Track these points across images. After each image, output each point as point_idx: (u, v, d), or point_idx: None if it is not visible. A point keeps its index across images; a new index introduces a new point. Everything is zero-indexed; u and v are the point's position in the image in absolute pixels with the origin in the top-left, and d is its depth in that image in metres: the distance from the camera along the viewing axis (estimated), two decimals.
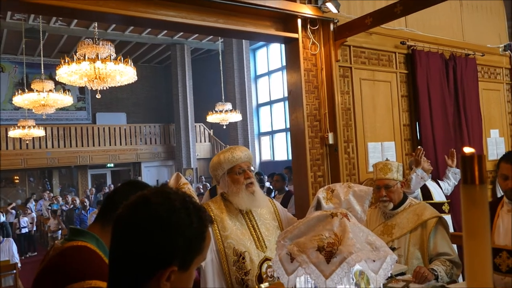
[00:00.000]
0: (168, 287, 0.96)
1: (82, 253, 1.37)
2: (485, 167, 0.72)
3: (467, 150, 0.76)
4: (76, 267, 1.32)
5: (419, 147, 4.45)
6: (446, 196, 4.64)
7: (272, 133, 16.24)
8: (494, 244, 2.43)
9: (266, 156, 16.43)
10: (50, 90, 9.79)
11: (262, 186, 7.46)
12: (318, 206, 2.40)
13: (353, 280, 1.73)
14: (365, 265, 1.65)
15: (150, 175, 18.30)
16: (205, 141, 18.69)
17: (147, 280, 0.95)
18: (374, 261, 1.67)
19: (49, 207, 13.07)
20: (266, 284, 2.32)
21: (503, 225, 2.46)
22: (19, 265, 7.10)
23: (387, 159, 2.95)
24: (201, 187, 11.66)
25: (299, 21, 4.36)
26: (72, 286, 1.29)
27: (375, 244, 1.70)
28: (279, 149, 15.90)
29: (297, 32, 4.37)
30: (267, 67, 16.39)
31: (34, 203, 14.36)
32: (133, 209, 1.00)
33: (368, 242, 1.70)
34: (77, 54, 6.39)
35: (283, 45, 4.77)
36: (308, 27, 4.45)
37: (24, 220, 11.84)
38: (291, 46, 4.52)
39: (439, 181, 4.70)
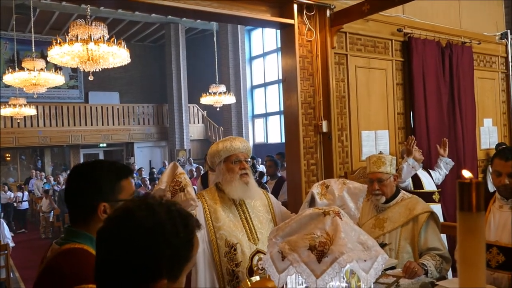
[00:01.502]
0: None
1: (79, 256, 1.37)
2: (482, 194, 0.70)
3: (466, 174, 0.75)
4: (73, 271, 1.32)
5: (411, 136, 4.45)
6: (437, 186, 4.66)
7: (266, 115, 16.20)
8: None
9: (260, 139, 16.42)
10: (42, 69, 9.63)
11: (254, 171, 7.46)
12: (312, 202, 2.40)
13: (343, 278, 1.74)
14: (356, 265, 1.65)
15: (142, 156, 18.26)
16: (198, 123, 18.62)
17: None
18: (365, 260, 1.67)
19: (43, 186, 13.06)
20: (257, 277, 2.33)
21: (494, 221, 2.47)
22: (12, 245, 7.11)
23: (380, 152, 2.94)
24: (194, 169, 11.65)
25: (295, 6, 4.29)
26: None
27: (367, 244, 1.70)
28: (273, 132, 15.88)
29: (293, 17, 4.30)
30: (262, 48, 16.24)
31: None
32: (117, 223, 0.97)
33: (360, 241, 1.70)
34: (69, 34, 6.26)
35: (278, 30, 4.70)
36: (304, 12, 4.37)
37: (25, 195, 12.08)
38: (287, 32, 4.45)
39: (430, 171, 4.71)
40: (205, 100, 13.10)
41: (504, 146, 4.68)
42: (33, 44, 10.65)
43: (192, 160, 15.27)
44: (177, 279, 0.98)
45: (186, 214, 1.02)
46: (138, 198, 1.04)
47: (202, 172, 8.50)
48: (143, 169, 14.00)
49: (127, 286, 0.94)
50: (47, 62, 9.66)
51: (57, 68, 10.51)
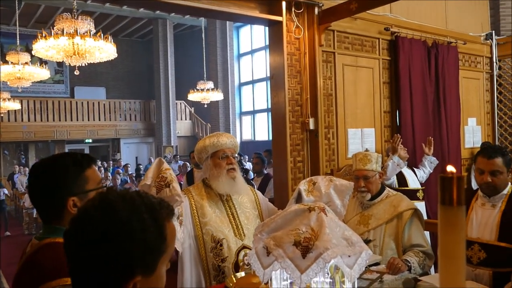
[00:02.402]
0: None
1: (58, 250, 1.35)
2: (463, 189, 0.71)
3: (450, 168, 0.76)
4: (53, 265, 1.30)
5: (396, 134, 4.50)
6: (421, 184, 4.72)
7: (253, 112, 16.19)
8: (466, 236, 2.48)
9: (247, 136, 16.42)
10: (26, 63, 9.50)
11: (241, 168, 7.45)
12: (299, 198, 2.42)
13: (328, 274, 1.75)
14: (340, 260, 1.66)
15: (129, 152, 18.12)
16: (185, 119, 18.54)
17: None
18: (349, 256, 1.69)
19: (27, 182, 12.85)
20: (242, 273, 2.33)
21: (476, 218, 2.52)
22: None
23: (366, 150, 2.97)
24: (181, 165, 11.60)
25: (283, 3, 4.30)
26: (50, 284, 1.27)
27: (351, 240, 1.71)
28: (260, 129, 15.89)
29: (281, 15, 4.31)
30: (251, 45, 16.22)
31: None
32: (78, 226, 0.94)
33: (344, 237, 1.71)
34: (54, 28, 6.17)
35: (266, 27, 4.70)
36: (293, 10, 4.38)
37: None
38: (275, 29, 4.46)
39: (415, 169, 4.77)
40: (192, 96, 13.05)
41: (488, 145, 4.75)
42: (17, 37, 10.49)
43: (178, 158, 15.21)
44: (152, 273, 0.95)
45: (155, 206, 0.97)
46: (99, 195, 0.98)
47: (188, 169, 8.47)
48: (129, 165, 13.91)
49: (97, 286, 0.91)
50: (32, 56, 9.53)
51: (42, 62, 10.36)
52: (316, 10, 4.43)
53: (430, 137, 4.86)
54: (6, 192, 10.72)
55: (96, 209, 0.93)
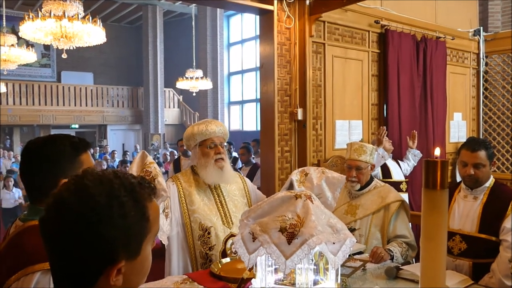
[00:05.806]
0: (120, 281, 0.89)
1: None
2: (447, 173, 0.73)
3: (436, 151, 0.77)
4: (35, 248, 1.27)
5: (382, 126, 4.55)
6: (405, 176, 4.78)
7: (242, 102, 16.16)
8: (448, 227, 2.53)
9: (235, 126, 16.40)
10: (12, 45, 9.31)
11: (229, 157, 7.46)
12: (291, 188, 2.43)
13: (312, 260, 1.78)
14: (324, 247, 1.68)
15: (116, 139, 17.98)
16: (174, 107, 18.42)
17: (95, 280, 0.88)
18: (334, 243, 1.71)
19: (11, 166, 12.70)
20: (227, 259, 2.35)
21: (458, 210, 2.57)
22: None
23: (361, 140, 2.99)
24: (168, 153, 11.57)
25: None
26: (32, 268, 1.26)
27: (336, 227, 1.74)
28: (249, 119, 15.87)
29: (272, 4, 4.30)
30: (241, 35, 16.13)
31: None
32: (54, 214, 0.89)
33: (330, 224, 1.73)
34: (42, 10, 6.06)
35: (257, 16, 4.69)
36: None
37: None
38: (266, 18, 4.45)
39: (400, 161, 4.82)
40: (181, 84, 12.95)
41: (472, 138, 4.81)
42: (4, 18, 10.29)
43: (168, 145, 15.14)
44: (137, 255, 0.92)
45: (135, 187, 0.92)
46: (74, 178, 0.92)
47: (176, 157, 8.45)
48: (116, 152, 13.81)
49: (82, 275, 0.88)
50: (18, 39, 9.36)
51: (29, 45, 10.18)
52: (307, 0, 4.43)
53: (414, 131, 4.92)
54: (21, 194, 9.00)
55: (72, 194, 0.88)
